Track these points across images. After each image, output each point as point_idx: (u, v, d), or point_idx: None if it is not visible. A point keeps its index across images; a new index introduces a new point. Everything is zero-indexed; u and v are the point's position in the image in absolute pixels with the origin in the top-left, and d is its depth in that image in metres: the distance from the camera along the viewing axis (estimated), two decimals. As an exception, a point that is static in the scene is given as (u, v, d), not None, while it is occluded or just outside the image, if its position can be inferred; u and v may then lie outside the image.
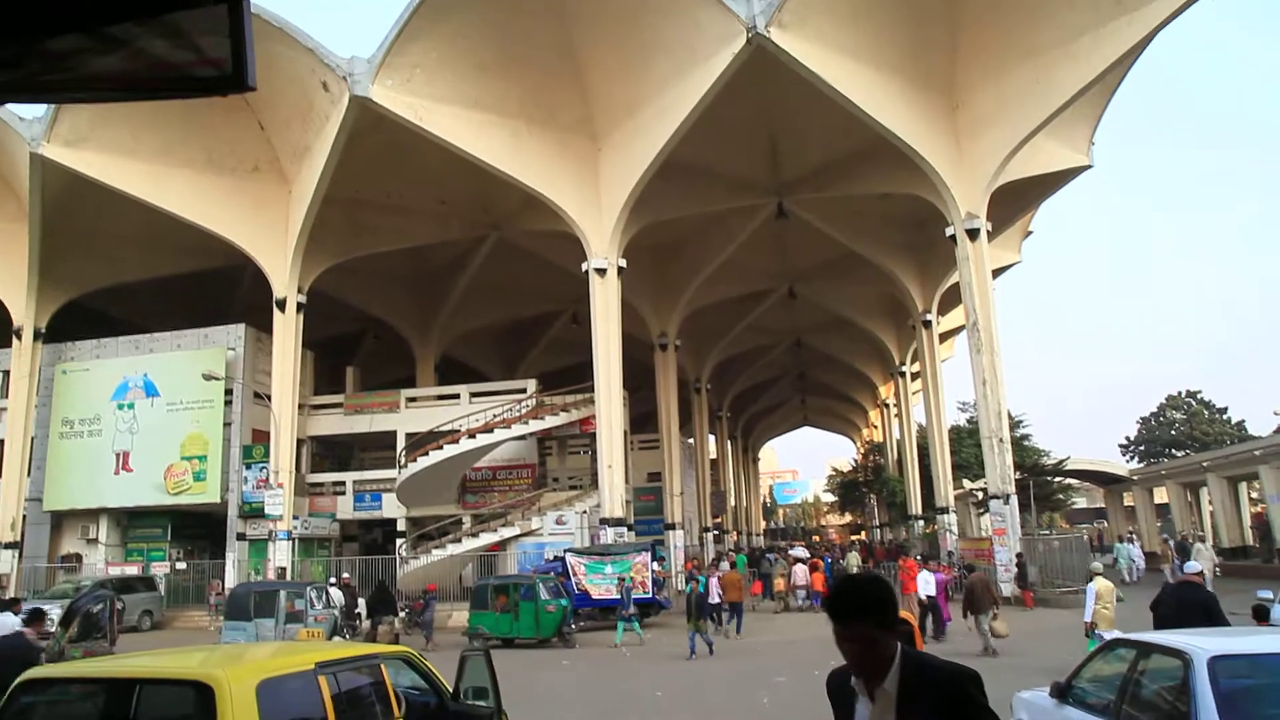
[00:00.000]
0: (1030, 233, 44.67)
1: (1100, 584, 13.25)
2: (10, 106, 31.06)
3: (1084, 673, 6.28)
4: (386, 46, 25.95)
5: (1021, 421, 50.01)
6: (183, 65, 0.98)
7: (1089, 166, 32.38)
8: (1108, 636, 11.77)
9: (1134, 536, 40.84)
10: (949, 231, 27.92)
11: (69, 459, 34.31)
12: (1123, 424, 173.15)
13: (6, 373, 35.85)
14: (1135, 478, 49.84)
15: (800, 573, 29.18)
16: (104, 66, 0.96)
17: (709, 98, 25.34)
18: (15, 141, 30.66)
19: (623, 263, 29.60)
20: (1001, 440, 26.64)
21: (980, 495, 42.44)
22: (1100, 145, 35.05)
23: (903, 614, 16.47)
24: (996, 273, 36.30)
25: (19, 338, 35.16)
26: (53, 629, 13.33)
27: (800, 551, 39.54)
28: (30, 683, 4.94)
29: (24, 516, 34.36)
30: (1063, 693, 6.25)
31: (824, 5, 24.43)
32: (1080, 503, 74.27)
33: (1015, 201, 33.08)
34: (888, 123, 26.14)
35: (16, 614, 13.18)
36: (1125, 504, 53.56)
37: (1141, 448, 74.42)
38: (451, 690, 6.75)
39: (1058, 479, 51.27)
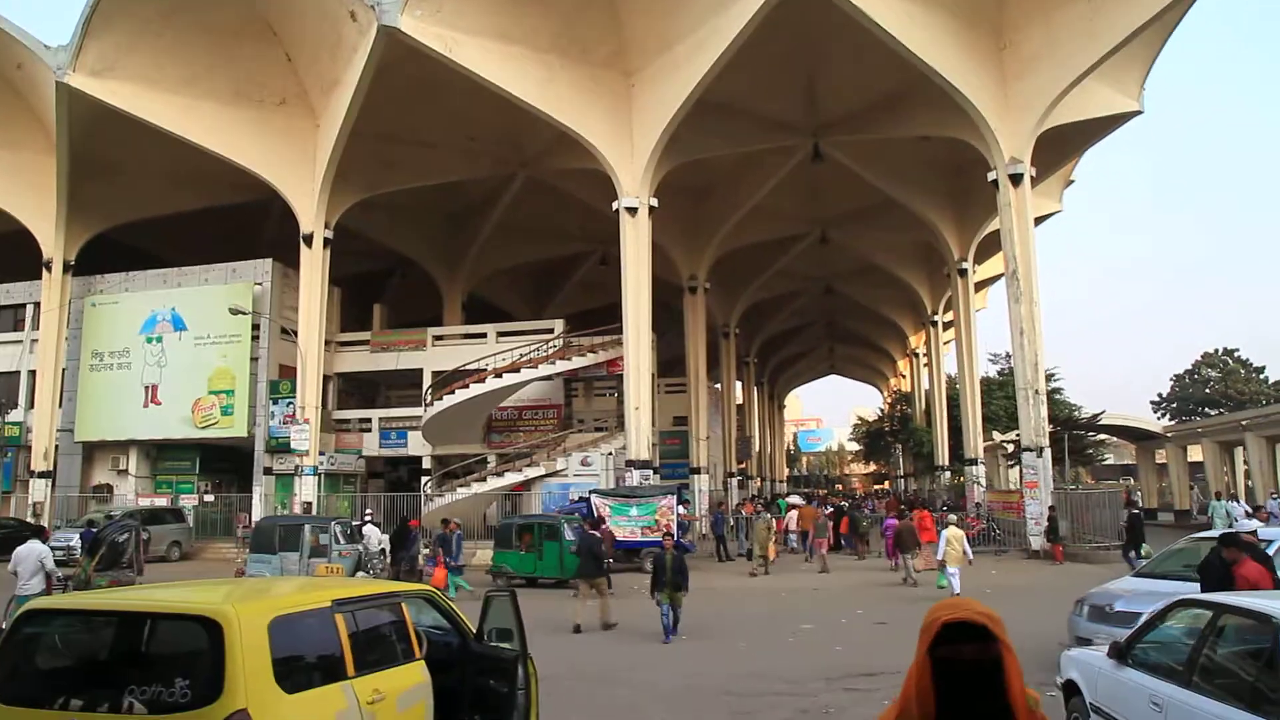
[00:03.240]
0: (1072, 181, 43.48)
1: (951, 531, 17.54)
2: (36, 33, 30.76)
3: (1147, 634, 5.90)
4: (416, -26, 25.22)
5: (1054, 374, 49.20)
6: None
7: (1139, 112, 31.17)
8: (953, 570, 16.84)
9: (1233, 493, 38.37)
10: (991, 176, 27.02)
11: (99, 391, 34.54)
12: (1155, 381, 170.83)
13: (37, 305, 36.03)
14: (1169, 435, 49.08)
15: (793, 519, 29.18)
16: None
17: (746, 33, 24.47)
18: (43, 72, 30.34)
19: (654, 202, 29.01)
20: (1037, 392, 26.06)
21: (1010, 448, 41.97)
22: (1152, 89, 33.63)
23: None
24: (1037, 221, 35.25)
25: (49, 270, 35.21)
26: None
27: (796, 499, 39.44)
28: (33, 613, 4.69)
29: (56, 447, 34.75)
30: (1122, 654, 5.87)
31: (869, -65, 23.41)
32: (1108, 459, 73.49)
33: (1059, 147, 31.99)
34: (931, 61, 25.17)
35: (45, 541, 13.18)
36: (1157, 461, 52.86)
37: (1174, 405, 73.18)
38: (475, 631, 6.50)
39: (1090, 434, 50.55)
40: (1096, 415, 47.42)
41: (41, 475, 34.27)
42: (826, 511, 31.92)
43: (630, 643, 13.56)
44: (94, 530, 15.39)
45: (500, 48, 26.82)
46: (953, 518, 19.88)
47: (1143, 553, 20.61)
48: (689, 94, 26.48)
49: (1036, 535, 25.11)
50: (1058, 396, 47.93)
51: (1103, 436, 55.62)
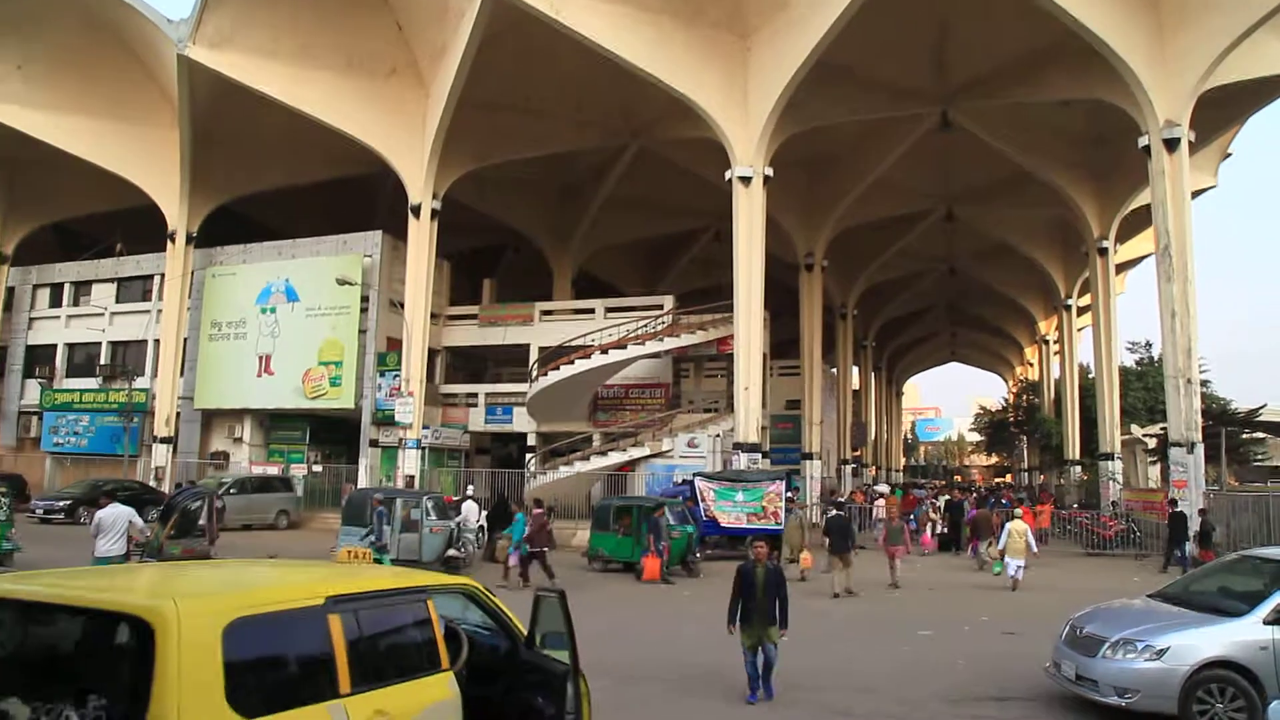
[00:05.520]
0: (1229, 154, 39.64)
1: (1014, 525, 18.65)
2: (159, 7, 31.32)
3: None
4: (524, -66, 24.31)
5: (1201, 365, 45.26)
6: None
7: (1318, 70, 27.84)
8: (1017, 561, 17.95)
9: None
10: (1143, 142, 24.44)
11: (217, 360, 35.26)
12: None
13: (162, 276, 37.00)
14: (1340, 433, 44.65)
15: (880, 509, 27.26)
16: None
17: (871, -14, 22.67)
18: (167, 48, 30.82)
19: (769, 171, 27.46)
20: (1189, 381, 23.55)
21: (1152, 443, 38.77)
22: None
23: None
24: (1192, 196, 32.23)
25: (173, 241, 36.10)
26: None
27: (883, 488, 37.46)
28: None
29: (178, 414, 35.71)
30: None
31: (1011, -126, 21.31)
32: (1271, 459, 67.84)
33: (1218, 113, 28.90)
34: (1078, 13, 22.77)
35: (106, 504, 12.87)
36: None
37: (1337, 401, 67.08)
38: (526, 635, 5.45)
39: (1244, 430, 46.32)
40: (1255, 410, 43.43)
41: (164, 441, 35.24)
42: (934, 503, 29.62)
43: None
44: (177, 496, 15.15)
45: (609, 8, 25.71)
46: (1018, 512, 20.77)
47: (1186, 552, 21.38)
48: (807, 56, 24.81)
49: (1188, 540, 22.63)
50: (1206, 389, 44.09)
51: (1260, 434, 51.11)
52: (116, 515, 12.56)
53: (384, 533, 17.26)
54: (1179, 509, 22.55)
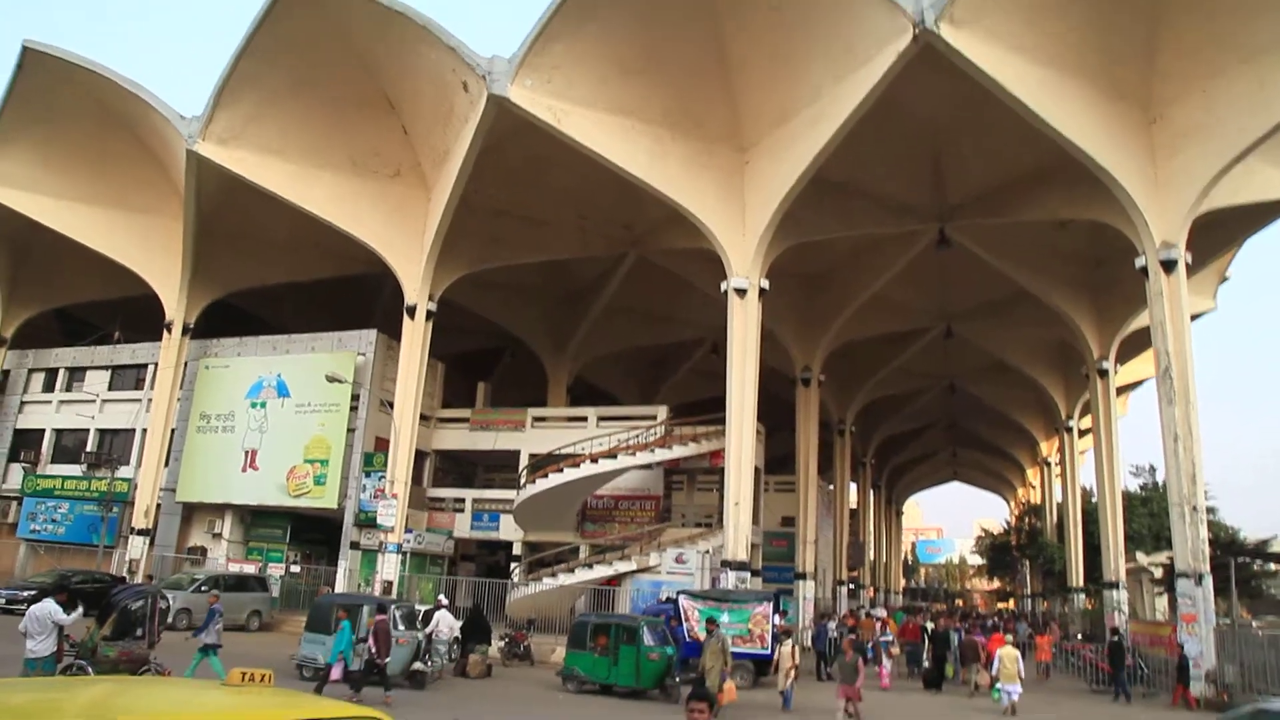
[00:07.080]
0: (1227, 278, 39.70)
1: (1005, 651, 19.31)
2: (173, 104, 31.90)
3: None
4: (527, 45, 24.77)
5: (1207, 492, 44.32)
6: None
7: (1312, 198, 28.01)
8: (1010, 687, 18.73)
9: None
10: (1140, 263, 24.32)
11: (203, 452, 34.63)
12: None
13: (157, 365, 36.72)
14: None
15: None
16: None
17: (868, 103, 22.88)
18: (179, 142, 31.25)
19: (765, 283, 27.39)
20: (1195, 509, 22.76)
21: (1159, 571, 37.63)
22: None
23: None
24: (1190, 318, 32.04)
25: (169, 331, 35.94)
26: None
27: (879, 611, 36.30)
28: None
29: (158, 506, 34.88)
30: None
31: None
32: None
33: (1215, 236, 29.03)
34: (1073, 136, 22.97)
35: (60, 602, 12.15)
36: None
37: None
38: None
39: (1256, 561, 44.97)
40: (1266, 541, 42.27)
41: (140, 533, 34.30)
42: (883, 636, 26.67)
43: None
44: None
45: (610, 119, 26.05)
46: (1009, 638, 21.32)
47: (1126, 684, 22.51)
48: (804, 170, 24.95)
49: (1197, 679, 21.54)
50: (1213, 517, 43.09)
51: (1272, 566, 49.69)
52: (42, 613, 11.87)
53: (213, 632, 15.86)
54: (1118, 639, 23.50)
